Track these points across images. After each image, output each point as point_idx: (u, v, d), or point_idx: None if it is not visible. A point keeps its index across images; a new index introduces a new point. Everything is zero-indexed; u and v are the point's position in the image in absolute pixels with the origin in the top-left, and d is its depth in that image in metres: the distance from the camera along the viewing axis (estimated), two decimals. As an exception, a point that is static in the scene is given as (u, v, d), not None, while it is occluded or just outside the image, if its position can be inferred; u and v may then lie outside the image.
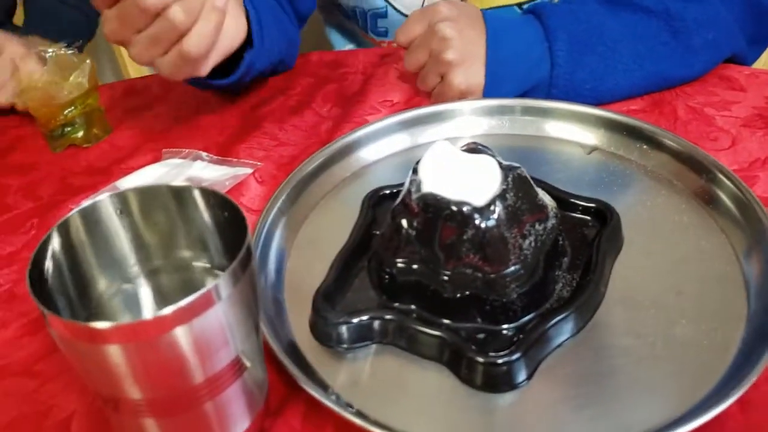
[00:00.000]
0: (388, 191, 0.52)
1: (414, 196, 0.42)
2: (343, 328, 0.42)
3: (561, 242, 0.45)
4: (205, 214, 0.35)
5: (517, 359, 0.39)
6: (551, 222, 0.44)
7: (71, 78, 0.61)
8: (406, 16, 0.73)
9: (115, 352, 0.29)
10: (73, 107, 0.61)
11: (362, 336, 0.42)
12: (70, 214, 0.33)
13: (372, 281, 0.46)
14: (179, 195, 0.35)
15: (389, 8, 0.79)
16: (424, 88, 0.64)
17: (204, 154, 0.58)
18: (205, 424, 0.33)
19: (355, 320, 0.42)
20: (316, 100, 0.67)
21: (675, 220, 0.48)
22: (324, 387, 0.40)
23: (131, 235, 0.35)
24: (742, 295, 0.42)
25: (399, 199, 0.44)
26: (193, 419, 0.33)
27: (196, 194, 0.34)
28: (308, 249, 0.50)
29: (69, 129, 0.62)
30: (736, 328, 0.40)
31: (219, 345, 0.31)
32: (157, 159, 0.60)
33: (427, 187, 0.42)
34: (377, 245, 0.45)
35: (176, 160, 0.58)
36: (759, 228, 0.45)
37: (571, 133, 0.57)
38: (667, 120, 0.59)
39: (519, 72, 0.60)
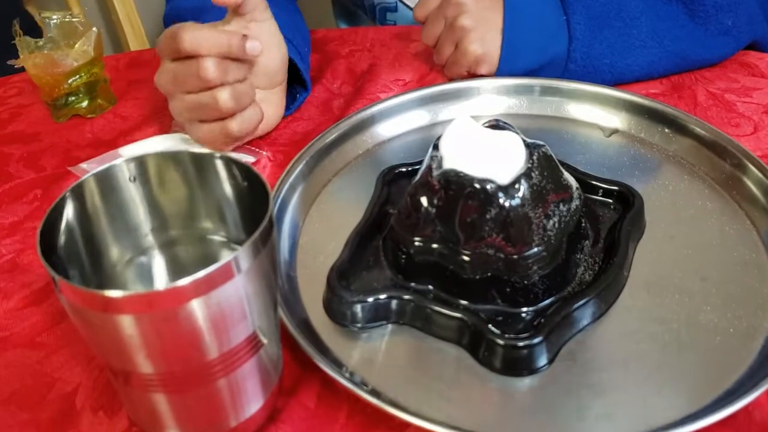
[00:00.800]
0: (404, 169, 0.50)
1: (435, 172, 0.41)
2: (358, 308, 0.41)
3: (583, 225, 0.44)
4: (226, 184, 0.33)
5: (539, 342, 0.37)
6: (575, 203, 0.42)
7: (76, 46, 0.58)
8: None
9: (128, 323, 0.27)
10: (77, 76, 0.59)
11: (378, 316, 0.41)
12: (85, 177, 0.31)
13: (388, 260, 0.44)
14: (200, 162, 0.33)
15: (399, 3, 0.78)
16: (440, 61, 0.62)
17: None
18: (218, 402, 0.32)
19: (371, 299, 0.41)
20: (326, 75, 0.65)
21: (698, 205, 0.47)
22: (339, 366, 0.39)
23: (147, 203, 0.34)
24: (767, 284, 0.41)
25: (418, 176, 0.42)
26: (205, 396, 0.31)
27: (218, 162, 0.33)
28: (321, 226, 0.48)
29: (73, 99, 0.60)
30: (762, 317, 0.39)
31: (236, 319, 0.30)
32: (162, 131, 0.58)
33: (449, 164, 0.40)
34: (394, 223, 0.44)
35: (183, 135, 0.56)
36: (785, 215, 0.44)
37: (590, 114, 0.55)
38: (687, 105, 0.57)
39: (536, 44, 0.58)
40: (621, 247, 0.42)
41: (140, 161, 0.33)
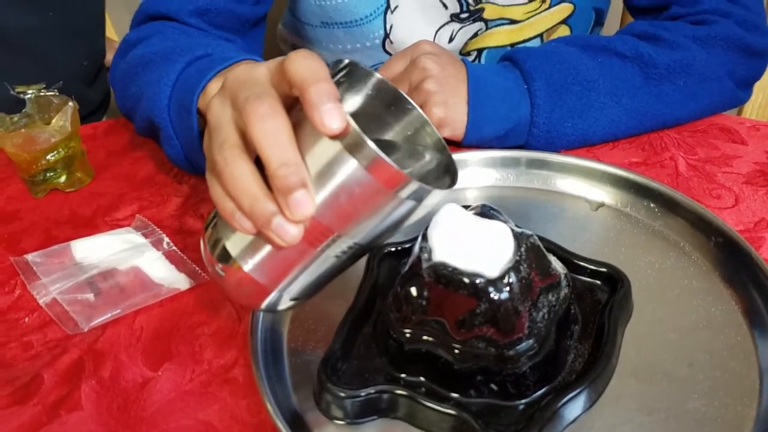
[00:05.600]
0: (393, 248, 0.53)
1: (424, 264, 0.43)
2: (349, 402, 0.43)
3: (573, 310, 0.47)
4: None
5: (532, 439, 0.40)
6: (564, 291, 0.45)
7: (53, 121, 0.60)
8: None
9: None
10: (55, 152, 0.61)
11: (369, 410, 0.43)
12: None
13: (378, 348, 0.46)
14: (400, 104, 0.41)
15: None
16: None
17: (166, 240, 0.57)
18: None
19: (363, 394, 0.43)
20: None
21: (684, 284, 0.50)
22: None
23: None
24: (754, 369, 0.44)
25: (408, 266, 0.45)
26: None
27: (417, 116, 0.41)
28: (312, 309, 0.50)
29: (51, 174, 0.62)
30: (749, 405, 0.42)
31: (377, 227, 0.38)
32: (141, 209, 0.60)
33: (438, 256, 0.43)
34: (384, 311, 0.46)
35: (137, 237, 0.57)
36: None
37: (577, 188, 0.59)
38: (669, 175, 0.61)
39: (500, 113, 0.63)
40: (610, 335, 0.45)
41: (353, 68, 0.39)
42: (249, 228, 0.37)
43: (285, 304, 0.41)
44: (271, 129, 0.35)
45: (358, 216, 0.36)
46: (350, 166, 0.34)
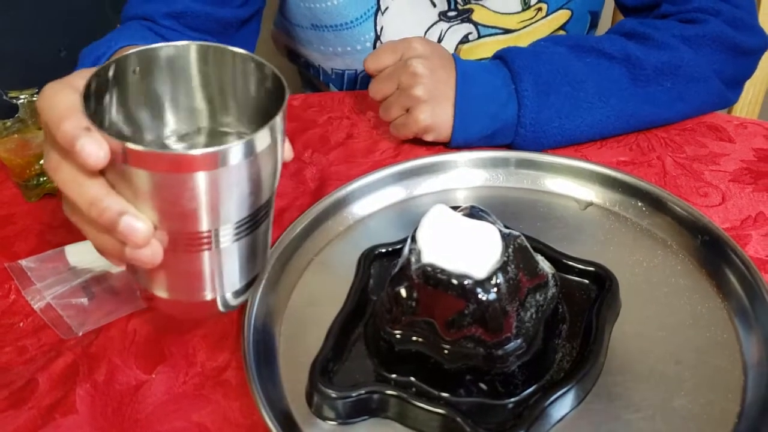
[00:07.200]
0: (384, 249, 0.53)
1: (414, 266, 0.44)
2: (340, 403, 0.43)
3: (561, 309, 0.47)
4: (239, 79, 0.37)
5: (520, 437, 0.40)
6: (551, 291, 0.46)
7: (47, 125, 0.61)
8: None
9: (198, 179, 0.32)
10: (49, 156, 0.61)
11: (360, 410, 0.44)
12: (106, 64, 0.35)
13: (369, 349, 0.47)
14: (210, 55, 0.37)
15: None
16: (386, 118, 0.67)
17: None
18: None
19: (354, 395, 0.43)
20: (296, 146, 0.68)
21: (671, 282, 0.51)
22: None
23: (155, 97, 0.37)
24: (738, 366, 0.45)
25: (397, 268, 0.45)
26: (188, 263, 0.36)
27: (231, 57, 0.37)
28: (303, 310, 0.51)
29: (44, 178, 0.62)
30: (733, 401, 0.43)
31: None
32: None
33: (427, 257, 0.43)
34: (375, 312, 0.47)
35: None
36: (753, 293, 0.48)
37: (566, 187, 0.59)
38: (657, 174, 0.61)
39: (487, 112, 0.63)
40: (598, 333, 0.45)
41: (147, 54, 0.36)
42: (119, 263, 0.37)
43: (236, 300, 0.39)
44: (67, 176, 0.34)
45: (209, 206, 0.33)
46: (149, 176, 0.32)
